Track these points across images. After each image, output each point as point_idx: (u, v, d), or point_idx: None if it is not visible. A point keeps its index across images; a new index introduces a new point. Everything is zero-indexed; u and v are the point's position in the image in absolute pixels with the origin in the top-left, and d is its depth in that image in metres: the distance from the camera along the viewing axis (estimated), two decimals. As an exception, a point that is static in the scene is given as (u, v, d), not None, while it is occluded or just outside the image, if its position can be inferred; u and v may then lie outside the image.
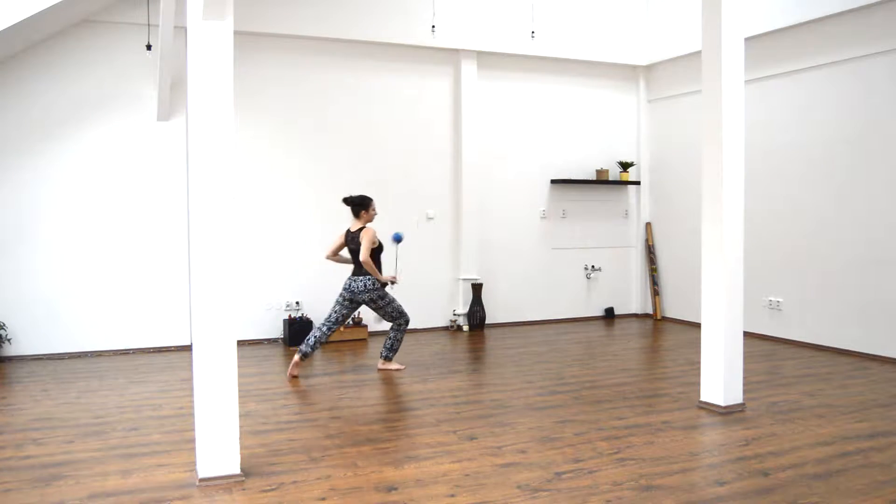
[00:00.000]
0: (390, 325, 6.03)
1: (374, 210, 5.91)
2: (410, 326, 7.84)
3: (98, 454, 3.93)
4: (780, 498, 3.29)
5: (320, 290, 7.46)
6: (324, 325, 5.86)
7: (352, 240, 5.81)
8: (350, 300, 5.82)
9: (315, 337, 5.81)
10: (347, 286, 5.80)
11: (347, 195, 6.02)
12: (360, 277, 5.76)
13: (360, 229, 5.77)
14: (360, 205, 5.86)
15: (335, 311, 5.86)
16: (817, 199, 6.78)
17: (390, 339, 5.99)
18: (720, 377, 4.69)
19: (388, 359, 6.01)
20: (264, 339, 7.30)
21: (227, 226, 3.52)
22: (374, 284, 5.74)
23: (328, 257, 5.98)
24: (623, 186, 8.92)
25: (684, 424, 4.44)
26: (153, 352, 6.84)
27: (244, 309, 7.09)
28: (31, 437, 4.25)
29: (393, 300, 5.88)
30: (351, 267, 5.93)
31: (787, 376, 5.68)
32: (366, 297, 5.76)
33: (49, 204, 6.58)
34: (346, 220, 7.54)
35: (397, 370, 5.99)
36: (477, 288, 8.02)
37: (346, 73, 7.58)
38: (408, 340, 7.36)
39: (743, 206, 4.75)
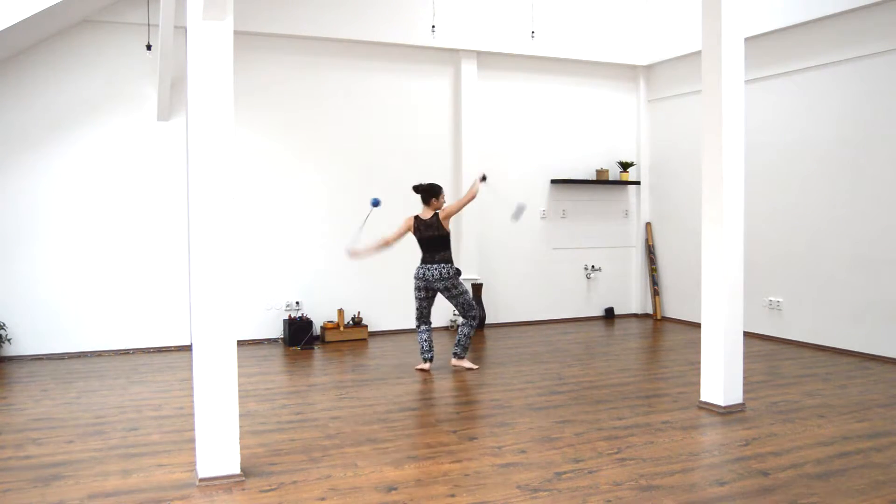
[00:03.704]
0: (461, 319, 6.04)
1: (443, 198, 5.95)
2: (410, 326, 7.86)
3: (98, 454, 3.93)
4: (780, 498, 3.29)
5: (320, 290, 7.47)
6: (420, 328, 5.99)
7: (426, 227, 5.85)
8: (426, 289, 5.90)
9: (422, 342, 5.97)
10: (421, 275, 5.86)
11: (417, 183, 6.07)
12: (435, 265, 5.81)
13: (435, 215, 5.84)
14: (429, 192, 5.91)
15: (419, 308, 5.96)
16: (817, 199, 6.78)
17: (461, 334, 5.99)
18: (720, 377, 4.69)
19: (459, 356, 6.02)
20: (264, 339, 7.30)
21: (227, 226, 3.52)
22: (448, 272, 5.82)
23: (389, 241, 5.91)
24: (623, 186, 8.92)
25: (684, 424, 4.44)
26: (153, 352, 6.84)
27: (244, 309, 7.09)
28: (31, 437, 4.25)
29: (466, 291, 5.91)
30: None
31: (787, 376, 5.68)
32: (440, 284, 5.82)
33: (49, 204, 6.58)
34: (345, 219, 7.57)
35: (469, 369, 5.97)
36: (477, 288, 8.02)
37: (346, 73, 7.58)
38: (408, 340, 7.36)
39: (743, 206, 4.75)
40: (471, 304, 5.92)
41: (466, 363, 6.02)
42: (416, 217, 5.92)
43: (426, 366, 5.96)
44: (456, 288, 5.85)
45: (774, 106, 7.15)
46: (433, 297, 5.98)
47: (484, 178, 6.01)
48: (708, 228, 4.77)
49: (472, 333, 5.98)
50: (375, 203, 5.91)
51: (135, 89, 6.81)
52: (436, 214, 5.85)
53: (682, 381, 5.57)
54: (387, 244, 5.90)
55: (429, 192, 5.91)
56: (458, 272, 5.90)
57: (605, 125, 8.82)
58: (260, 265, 7.25)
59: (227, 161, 3.53)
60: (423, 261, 5.89)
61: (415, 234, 5.90)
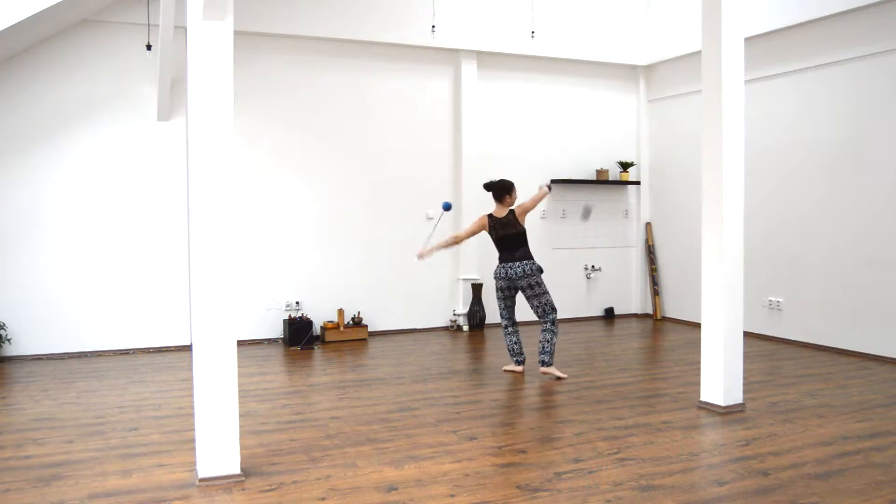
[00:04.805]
0: (543, 323, 5.68)
1: (515, 194, 5.80)
2: (410, 326, 7.88)
3: (98, 454, 3.93)
4: (780, 498, 3.29)
5: (320, 290, 7.47)
6: (508, 330, 5.85)
7: (503, 225, 5.69)
8: (509, 288, 5.74)
9: (512, 344, 5.84)
10: (503, 274, 5.68)
11: (488, 181, 5.93)
12: (517, 263, 5.65)
13: (511, 212, 5.69)
14: (502, 189, 5.75)
15: (503, 309, 5.82)
16: (817, 199, 6.78)
17: (543, 341, 5.64)
18: (720, 377, 4.69)
19: (547, 364, 5.62)
20: (264, 339, 7.30)
21: (227, 226, 3.52)
22: (531, 269, 5.63)
23: (459, 239, 5.81)
24: (623, 186, 8.92)
25: (684, 424, 4.44)
26: (153, 352, 6.84)
27: (244, 309, 7.09)
28: (31, 437, 4.25)
29: (548, 291, 5.69)
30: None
31: (787, 376, 5.68)
32: (524, 282, 5.64)
33: (49, 204, 6.58)
34: (347, 219, 7.57)
35: (559, 378, 5.62)
36: (477, 288, 8.02)
37: (346, 74, 7.58)
38: (407, 340, 7.36)
39: (743, 206, 4.75)
40: (552, 307, 5.65)
41: (555, 371, 5.64)
42: (490, 216, 5.76)
43: (519, 368, 5.85)
44: (539, 286, 5.63)
45: (774, 106, 7.15)
46: (515, 295, 5.80)
47: (549, 188, 5.89)
48: (708, 228, 4.77)
49: (554, 339, 5.64)
50: (447, 207, 5.83)
51: (135, 89, 6.81)
52: (511, 211, 5.69)
53: (682, 381, 5.57)
54: (457, 242, 5.81)
55: (501, 189, 5.73)
56: (540, 269, 5.69)
57: (605, 125, 8.82)
58: (260, 265, 7.25)
59: (227, 161, 3.53)
60: (503, 259, 5.71)
61: (490, 233, 5.76)
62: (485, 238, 8.08)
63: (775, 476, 3.56)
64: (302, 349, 6.94)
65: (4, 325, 6.40)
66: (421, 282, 7.90)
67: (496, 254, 5.75)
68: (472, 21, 7.90)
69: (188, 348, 6.83)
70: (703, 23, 4.74)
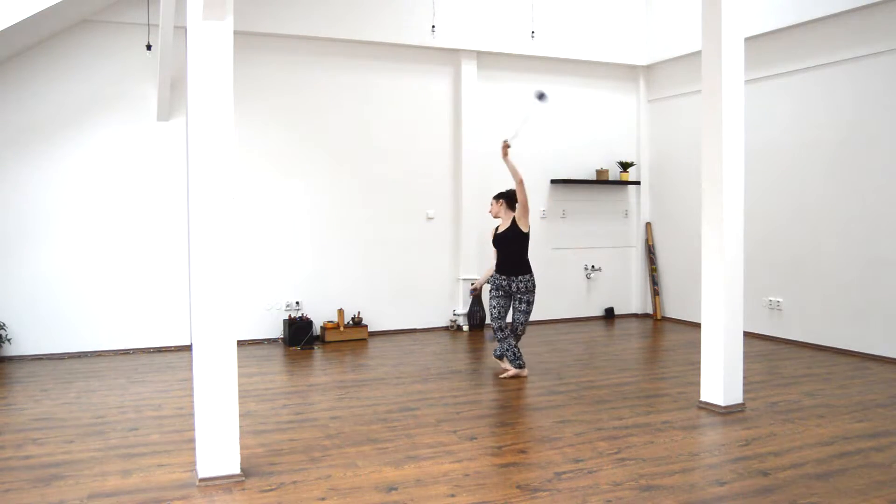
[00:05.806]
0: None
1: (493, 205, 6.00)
2: (410, 326, 7.88)
3: (98, 454, 3.93)
4: (780, 498, 3.29)
5: (320, 289, 7.47)
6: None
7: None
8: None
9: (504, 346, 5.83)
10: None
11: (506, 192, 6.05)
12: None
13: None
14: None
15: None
16: (817, 199, 6.78)
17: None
18: (720, 377, 4.69)
19: (499, 357, 5.87)
20: (264, 339, 7.29)
21: (227, 226, 3.52)
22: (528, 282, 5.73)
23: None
24: (623, 186, 8.92)
25: (684, 424, 4.44)
26: (153, 352, 6.84)
27: (244, 309, 7.09)
28: (31, 437, 4.25)
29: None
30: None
31: (787, 376, 5.68)
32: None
33: (49, 204, 6.58)
34: (347, 218, 7.57)
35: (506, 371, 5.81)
36: (477, 288, 8.02)
37: (346, 74, 7.58)
38: (407, 340, 7.37)
39: (743, 206, 4.75)
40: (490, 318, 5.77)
41: (505, 364, 5.85)
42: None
43: (524, 372, 5.77)
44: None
45: (774, 106, 7.15)
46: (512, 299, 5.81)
47: (507, 145, 5.91)
48: (708, 228, 4.77)
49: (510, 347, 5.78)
50: (541, 96, 5.80)
51: (135, 89, 6.80)
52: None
53: (682, 381, 5.57)
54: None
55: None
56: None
57: (605, 125, 8.82)
58: (260, 265, 7.25)
59: (227, 161, 3.53)
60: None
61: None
62: (485, 238, 8.11)
63: (775, 476, 3.56)
64: (302, 349, 6.94)
65: (4, 325, 6.40)
66: (421, 282, 7.90)
67: (495, 255, 5.79)
68: (472, 21, 7.89)
69: (188, 348, 6.83)
70: (703, 23, 4.74)
